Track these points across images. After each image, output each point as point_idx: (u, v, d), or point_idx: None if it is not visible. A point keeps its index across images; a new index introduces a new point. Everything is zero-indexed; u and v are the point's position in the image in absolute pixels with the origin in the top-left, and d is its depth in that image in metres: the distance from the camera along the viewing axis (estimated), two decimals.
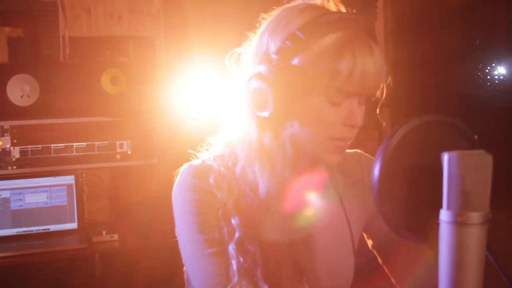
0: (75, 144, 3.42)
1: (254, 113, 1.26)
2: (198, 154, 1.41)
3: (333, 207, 1.44)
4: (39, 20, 3.43)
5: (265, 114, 1.22)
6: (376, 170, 0.87)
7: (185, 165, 1.37)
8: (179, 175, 1.36)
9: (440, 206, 0.81)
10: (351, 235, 1.42)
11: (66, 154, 3.40)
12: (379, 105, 1.43)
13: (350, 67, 1.18)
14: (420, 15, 4.07)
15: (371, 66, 1.20)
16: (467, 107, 3.37)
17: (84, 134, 3.44)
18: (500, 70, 2.80)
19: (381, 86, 1.28)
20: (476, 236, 0.80)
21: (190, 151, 1.43)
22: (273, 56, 1.23)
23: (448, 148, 0.81)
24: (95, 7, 3.82)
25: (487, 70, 2.78)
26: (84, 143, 3.44)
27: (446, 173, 0.80)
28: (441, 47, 3.85)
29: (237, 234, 1.27)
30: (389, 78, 1.33)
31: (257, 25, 1.34)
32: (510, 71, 2.81)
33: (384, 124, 4.03)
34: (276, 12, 1.31)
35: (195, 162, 1.37)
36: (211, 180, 1.32)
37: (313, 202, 1.41)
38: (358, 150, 1.53)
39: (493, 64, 2.80)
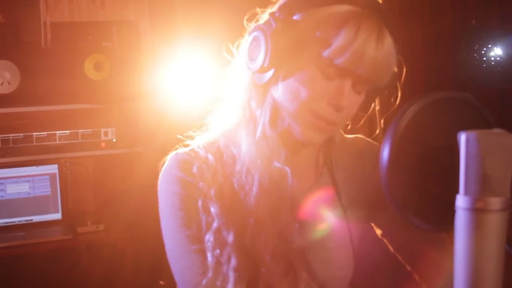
0: (58, 132, 3.35)
1: (248, 68, 1.22)
2: (190, 141, 1.34)
3: (329, 195, 1.37)
4: (20, 5, 3.35)
5: (255, 67, 1.18)
6: (385, 154, 0.79)
7: (171, 154, 1.31)
8: (164, 165, 1.30)
9: (456, 191, 0.73)
10: (348, 226, 1.35)
11: (49, 143, 3.33)
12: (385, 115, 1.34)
13: (348, 40, 1.10)
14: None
15: (372, 49, 1.11)
16: (461, 89, 3.31)
17: (68, 122, 3.36)
18: (497, 51, 2.74)
19: (383, 78, 1.19)
20: (496, 223, 0.72)
21: (179, 136, 1.37)
22: (277, 10, 1.18)
23: (463, 128, 0.73)
24: None
25: (483, 52, 2.72)
26: (67, 131, 3.36)
27: (464, 154, 0.72)
28: (432, 30, 3.79)
29: (215, 224, 1.21)
30: (399, 84, 1.26)
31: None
32: (506, 52, 2.75)
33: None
34: None
35: (181, 150, 1.31)
36: (195, 169, 1.26)
37: (306, 186, 1.35)
38: (360, 135, 1.45)
39: (489, 45, 2.73)
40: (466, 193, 0.73)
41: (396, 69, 1.23)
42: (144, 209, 2.14)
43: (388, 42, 1.15)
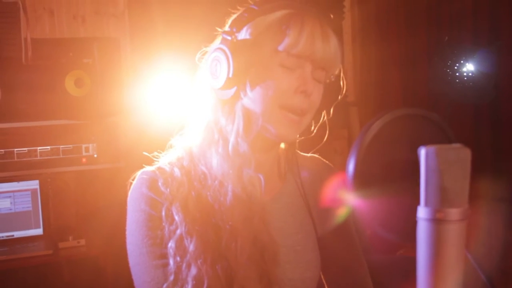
0: (39, 148, 3.35)
1: (212, 91, 1.31)
2: (157, 159, 1.41)
3: (295, 200, 1.45)
4: (0, 21, 3.35)
5: (220, 82, 1.26)
6: (351, 167, 0.84)
7: (139, 172, 1.37)
8: (133, 183, 1.36)
9: (418, 203, 0.78)
10: (315, 228, 1.44)
11: (30, 159, 3.33)
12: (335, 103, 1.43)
13: (298, 29, 1.24)
14: (387, 15, 4.08)
15: (319, 35, 1.26)
16: (436, 105, 3.38)
17: (49, 137, 3.37)
18: (469, 67, 2.81)
19: (334, 61, 1.32)
20: (455, 233, 0.77)
21: (145, 153, 1.42)
22: (229, 26, 1.30)
23: (424, 143, 0.79)
24: (58, 8, 3.74)
25: (455, 67, 2.78)
26: (48, 147, 3.37)
27: (424, 168, 0.77)
28: (408, 46, 3.87)
29: (178, 231, 1.27)
30: (343, 76, 1.37)
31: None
32: (478, 68, 2.82)
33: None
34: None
35: (147, 168, 1.37)
36: (160, 185, 1.32)
37: (272, 193, 1.42)
38: (316, 155, 1.56)
39: (462, 61, 2.80)
40: (426, 204, 0.78)
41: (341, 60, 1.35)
42: (124, 223, 2.16)
43: (331, 33, 1.29)
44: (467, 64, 2.77)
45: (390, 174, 0.85)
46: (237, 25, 1.28)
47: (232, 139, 1.31)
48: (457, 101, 2.97)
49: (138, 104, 3.44)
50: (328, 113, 1.41)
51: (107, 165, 3.49)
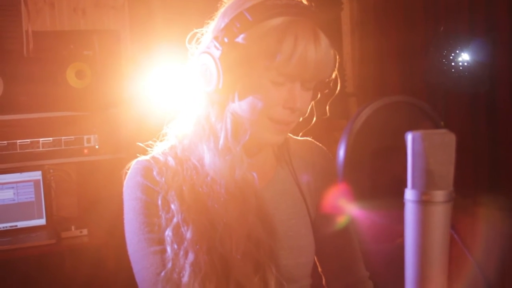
0: (41, 139, 3.38)
1: (202, 90, 1.32)
2: (151, 148, 1.44)
3: (288, 186, 1.48)
4: (1, 14, 3.38)
5: (210, 88, 1.27)
6: (341, 153, 0.88)
7: (133, 161, 1.41)
8: (128, 172, 1.40)
9: (405, 186, 0.82)
10: (309, 213, 1.47)
11: (32, 150, 3.36)
12: (330, 99, 1.45)
13: (290, 49, 1.22)
14: (385, 6, 4.10)
15: (313, 52, 1.24)
16: (433, 95, 3.41)
17: (51, 129, 3.40)
18: (464, 57, 2.84)
19: (326, 74, 1.32)
20: (440, 214, 0.81)
21: (139, 143, 1.45)
22: (220, 34, 1.27)
23: (412, 129, 0.82)
24: (58, 0, 3.77)
25: (451, 57, 2.82)
26: (50, 138, 3.40)
27: (410, 152, 0.81)
28: (406, 38, 3.89)
29: (174, 220, 1.30)
30: (337, 73, 1.36)
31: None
32: (474, 58, 2.85)
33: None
34: None
35: (142, 158, 1.41)
36: (155, 174, 1.35)
37: (265, 181, 1.45)
38: (309, 138, 1.58)
39: (457, 51, 2.83)
40: (413, 187, 0.82)
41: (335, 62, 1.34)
42: None
43: (324, 40, 1.27)
44: (462, 54, 2.80)
45: (379, 159, 0.89)
46: (229, 35, 1.25)
47: (222, 137, 1.34)
48: (453, 90, 3.00)
49: (139, 96, 3.47)
50: (324, 111, 1.43)
51: (109, 156, 3.52)
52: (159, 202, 1.33)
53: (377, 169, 0.89)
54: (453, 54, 2.78)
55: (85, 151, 3.49)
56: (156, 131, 1.50)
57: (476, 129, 3.35)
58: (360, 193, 0.90)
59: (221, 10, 1.35)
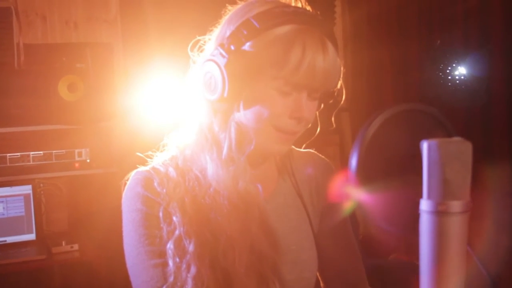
0: (31, 153, 3.35)
1: (206, 98, 1.28)
2: (150, 159, 1.40)
3: (290, 199, 1.44)
4: None
5: (215, 97, 1.24)
6: (354, 162, 0.85)
7: (133, 172, 1.36)
8: (127, 183, 1.35)
9: (420, 196, 0.79)
10: (311, 227, 1.43)
11: (22, 164, 3.33)
12: (336, 110, 1.43)
13: (298, 58, 1.19)
14: (378, 20, 4.10)
15: (321, 61, 1.20)
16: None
17: (41, 142, 3.37)
18: (461, 70, 2.83)
19: (333, 84, 1.30)
20: (457, 225, 0.78)
21: (138, 154, 1.41)
22: (226, 41, 1.24)
23: (425, 137, 0.79)
24: (50, 13, 3.74)
25: (448, 71, 2.81)
26: (41, 152, 3.37)
27: (426, 161, 0.78)
28: (399, 51, 3.88)
29: (176, 232, 1.26)
30: (341, 83, 1.34)
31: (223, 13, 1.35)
32: (469, 71, 2.84)
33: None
34: (240, 3, 1.33)
35: (142, 168, 1.36)
36: (156, 185, 1.31)
37: (267, 193, 1.41)
38: (312, 150, 1.54)
39: (454, 65, 2.82)
40: (429, 197, 0.78)
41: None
42: (118, 228, 2.16)
43: (331, 49, 1.23)
44: (459, 67, 2.80)
45: (392, 169, 0.86)
46: (235, 43, 1.22)
47: (225, 147, 1.30)
48: (449, 103, 2.99)
49: (131, 109, 3.44)
50: (330, 123, 1.41)
51: (100, 170, 3.49)
52: (160, 214, 1.28)
53: (390, 179, 0.86)
54: (449, 68, 2.77)
55: (76, 165, 3.46)
56: (149, 145, 1.46)
57: (471, 142, 3.33)
58: (373, 204, 0.87)
59: (226, 17, 1.32)
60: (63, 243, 3.22)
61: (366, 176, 0.86)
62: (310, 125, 1.35)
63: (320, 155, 1.56)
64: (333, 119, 1.42)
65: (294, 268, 1.37)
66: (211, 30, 1.36)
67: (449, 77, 2.83)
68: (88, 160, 3.48)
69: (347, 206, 1.47)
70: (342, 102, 1.39)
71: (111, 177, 3.44)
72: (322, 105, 1.37)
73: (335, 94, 1.36)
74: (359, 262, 1.54)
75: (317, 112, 1.37)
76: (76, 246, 3.24)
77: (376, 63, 4.10)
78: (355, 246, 1.53)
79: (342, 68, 1.32)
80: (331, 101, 1.37)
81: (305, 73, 1.20)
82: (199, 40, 1.37)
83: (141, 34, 3.73)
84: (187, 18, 3.61)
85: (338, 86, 1.34)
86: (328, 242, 1.48)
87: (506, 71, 3.14)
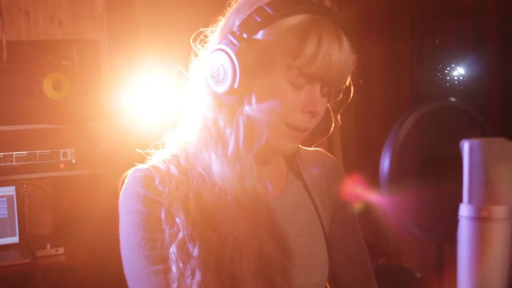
0: (15, 153, 3.27)
1: (212, 91, 1.22)
2: (149, 157, 1.32)
3: (301, 199, 1.38)
4: None
5: (223, 89, 1.17)
6: (386, 163, 0.78)
7: (131, 170, 1.27)
8: (125, 182, 1.27)
9: (459, 201, 0.73)
10: (323, 229, 1.36)
11: (5, 164, 3.24)
12: (343, 107, 1.37)
13: (314, 49, 1.13)
14: (369, 19, 4.05)
15: (337, 53, 1.15)
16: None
17: (25, 142, 3.29)
18: (460, 71, 2.79)
19: (345, 79, 1.24)
20: (501, 232, 0.72)
21: (138, 150, 1.33)
22: (237, 29, 1.17)
23: (460, 136, 0.73)
24: (34, 10, 3.66)
25: (446, 71, 2.76)
26: (25, 152, 3.28)
27: (467, 163, 0.71)
28: (390, 52, 3.84)
29: (180, 235, 1.18)
30: (350, 80, 1.29)
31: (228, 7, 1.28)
32: (468, 72, 2.80)
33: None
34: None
35: (141, 166, 1.28)
36: (157, 183, 1.23)
37: (275, 192, 1.34)
38: (319, 149, 1.48)
39: (452, 65, 2.78)
40: (470, 202, 0.72)
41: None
42: (105, 231, 2.09)
43: (346, 43, 1.18)
44: (457, 68, 2.76)
45: (426, 170, 0.79)
46: (248, 30, 1.16)
47: (232, 143, 1.23)
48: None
49: (119, 109, 3.37)
50: (335, 120, 1.35)
51: (86, 171, 3.42)
52: (162, 215, 1.21)
53: (424, 181, 0.79)
54: (448, 68, 2.73)
55: (61, 165, 3.39)
56: (136, 145, 1.39)
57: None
58: (405, 210, 0.80)
59: (232, 7, 1.25)
60: (48, 246, 3.14)
61: (399, 178, 0.79)
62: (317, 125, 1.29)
63: (328, 153, 1.50)
64: (339, 117, 1.36)
65: (303, 273, 1.29)
66: (215, 21, 1.29)
67: (448, 78, 2.78)
68: (73, 161, 3.40)
69: (357, 208, 1.41)
70: (350, 100, 1.33)
71: (97, 178, 3.37)
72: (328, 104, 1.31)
73: (344, 91, 1.30)
74: (370, 268, 1.47)
75: (330, 110, 1.31)
76: (61, 250, 3.16)
77: (366, 63, 4.05)
78: (366, 251, 1.46)
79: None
80: (339, 98, 1.31)
81: (320, 64, 1.14)
82: (201, 32, 1.29)
83: (128, 31, 3.65)
84: (177, 15, 3.54)
85: (347, 83, 1.28)
86: (339, 245, 1.41)
87: (499, 72, 3.10)
